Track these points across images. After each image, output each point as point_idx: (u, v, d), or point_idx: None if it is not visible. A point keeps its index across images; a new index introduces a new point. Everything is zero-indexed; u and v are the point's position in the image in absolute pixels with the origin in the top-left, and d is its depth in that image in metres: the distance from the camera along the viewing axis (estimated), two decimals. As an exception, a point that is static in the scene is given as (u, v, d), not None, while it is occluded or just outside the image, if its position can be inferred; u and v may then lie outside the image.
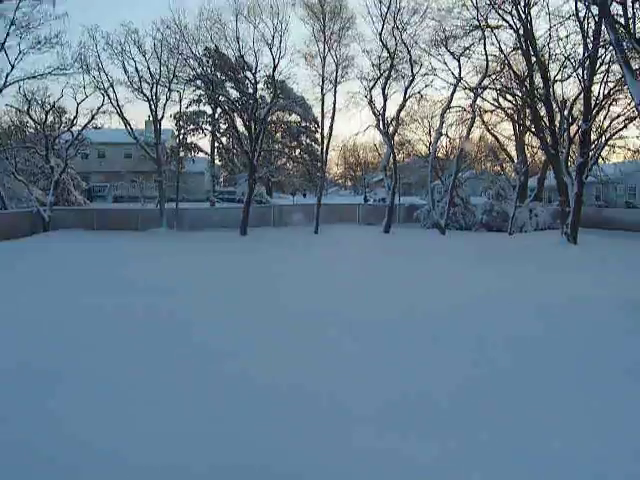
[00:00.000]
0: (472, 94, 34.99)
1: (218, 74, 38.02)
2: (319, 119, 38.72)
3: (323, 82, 35.02)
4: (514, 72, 33.36)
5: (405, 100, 36.17)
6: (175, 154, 41.99)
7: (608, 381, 7.22)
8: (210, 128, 53.02)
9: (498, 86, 35.95)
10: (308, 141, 54.31)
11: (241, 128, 37.31)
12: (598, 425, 5.87)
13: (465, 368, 7.72)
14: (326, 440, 5.48)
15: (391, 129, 36.83)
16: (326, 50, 34.53)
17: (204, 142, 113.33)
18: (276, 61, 33.81)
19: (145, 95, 35.44)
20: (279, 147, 50.84)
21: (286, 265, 19.80)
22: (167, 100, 36.00)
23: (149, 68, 34.95)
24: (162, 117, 36.12)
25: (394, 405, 6.41)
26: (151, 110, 35.73)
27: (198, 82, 36.46)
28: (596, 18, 25.62)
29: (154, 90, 35.35)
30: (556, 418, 6.04)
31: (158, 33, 34.98)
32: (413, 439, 5.50)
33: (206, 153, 54.43)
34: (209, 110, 51.83)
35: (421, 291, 14.19)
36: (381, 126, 36.32)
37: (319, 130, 41.13)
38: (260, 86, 38.06)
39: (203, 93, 41.95)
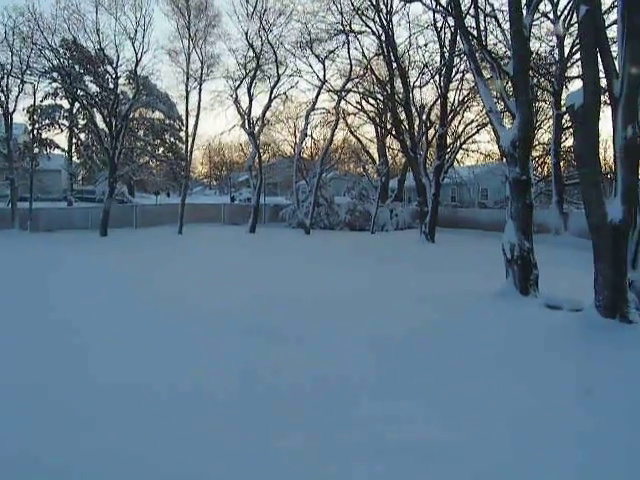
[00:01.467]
0: (336, 96, 35.80)
1: (76, 67, 36.28)
2: (184, 117, 38.14)
3: (188, 79, 34.46)
4: (376, 77, 34.45)
5: (271, 100, 36.41)
6: (29, 150, 39.57)
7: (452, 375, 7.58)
8: (67, 123, 50.66)
9: (361, 90, 37.07)
10: (172, 139, 53.22)
11: (101, 124, 35.80)
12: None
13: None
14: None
15: (257, 129, 36.92)
16: (191, 47, 34.03)
17: (61, 138, 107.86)
18: (139, 56, 32.84)
19: (-6, 86, 33.20)
20: (142, 145, 49.39)
21: (149, 265, 19.21)
22: (19, 92, 33.91)
23: (-1, 57, 32.75)
24: (14, 110, 34.00)
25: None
26: (1, 103, 33.53)
27: (54, 74, 34.57)
28: (452, 29, 27.02)
29: (5, 82, 33.19)
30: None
31: (10, 20, 32.72)
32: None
33: (63, 150, 51.84)
34: (66, 104, 49.56)
35: (285, 287, 14.20)
36: (247, 126, 36.29)
37: (183, 128, 40.52)
38: (122, 81, 36.69)
39: (60, 86, 39.85)
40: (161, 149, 51.86)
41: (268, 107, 36.69)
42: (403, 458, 5.01)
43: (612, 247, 9.82)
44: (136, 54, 32.80)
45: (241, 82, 36.34)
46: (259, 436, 5.44)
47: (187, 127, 36.28)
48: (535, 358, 8.23)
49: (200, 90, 34.97)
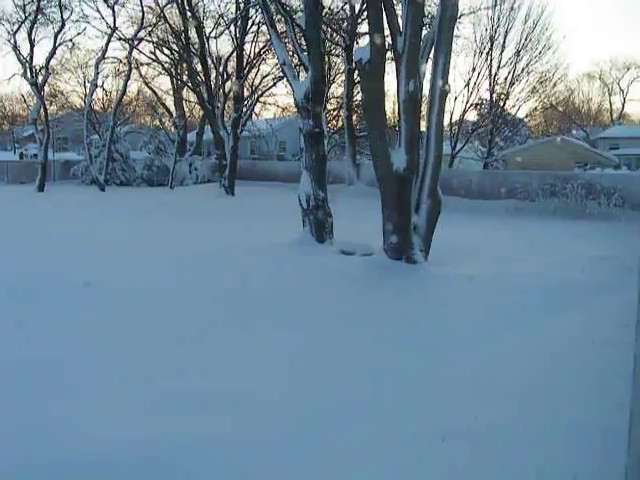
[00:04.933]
0: (128, 45, 34.18)
1: None
2: (-47, 65, 34.27)
3: (-44, 22, 30.90)
4: (170, 26, 33.34)
5: (55, 47, 33.69)
6: None
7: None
8: None
9: (155, 39, 35.70)
10: (-60, 89, 47.71)
11: None
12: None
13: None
14: None
15: (40, 78, 34.19)
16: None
17: None
18: None
19: None
20: None
21: None
22: None
23: None
24: None
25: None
26: None
27: None
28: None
29: None
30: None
31: None
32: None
33: None
34: None
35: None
36: (28, 75, 33.47)
37: (-46, 77, 36.53)
38: None
39: None
40: None
41: (53, 55, 33.99)
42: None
43: (397, 194, 10.58)
44: None
45: (20, 26, 33.18)
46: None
47: (-43, 76, 32.69)
48: (325, 299, 8.80)
49: (-28, 35, 31.58)
